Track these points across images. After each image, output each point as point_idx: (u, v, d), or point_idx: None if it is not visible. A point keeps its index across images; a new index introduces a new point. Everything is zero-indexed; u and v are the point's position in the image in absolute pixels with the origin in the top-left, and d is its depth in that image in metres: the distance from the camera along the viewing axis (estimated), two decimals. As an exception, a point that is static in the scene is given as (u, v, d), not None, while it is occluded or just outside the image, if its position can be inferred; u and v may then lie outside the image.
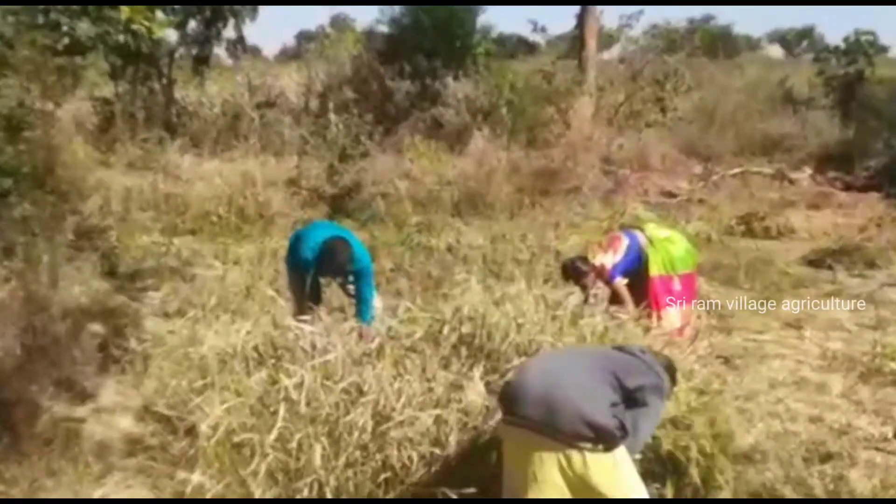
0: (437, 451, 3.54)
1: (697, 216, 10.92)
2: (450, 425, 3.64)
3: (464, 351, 4.39)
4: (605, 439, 2.94)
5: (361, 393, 3.70)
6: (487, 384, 4.06)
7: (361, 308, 5.13)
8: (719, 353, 5.61)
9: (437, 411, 3.67)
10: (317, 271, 5.17)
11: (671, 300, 5.79)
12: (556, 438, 2.95)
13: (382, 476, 3.46)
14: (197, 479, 3.49)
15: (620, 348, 3.52)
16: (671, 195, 12.26)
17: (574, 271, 5.85)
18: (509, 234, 9.15)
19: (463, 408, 3.75)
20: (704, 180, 13.01)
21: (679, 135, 14.95)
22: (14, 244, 6.05)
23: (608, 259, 5.81)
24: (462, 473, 3.48)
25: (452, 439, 3.56)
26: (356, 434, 3.49)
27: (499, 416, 3.65)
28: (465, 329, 4.58)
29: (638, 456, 3.25)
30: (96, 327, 5.72)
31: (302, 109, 13.53)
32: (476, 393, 3.82)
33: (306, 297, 4.98)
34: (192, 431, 3.89)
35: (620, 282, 5.75)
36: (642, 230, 6.05)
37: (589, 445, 2.93)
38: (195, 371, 4.66)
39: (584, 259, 5.91)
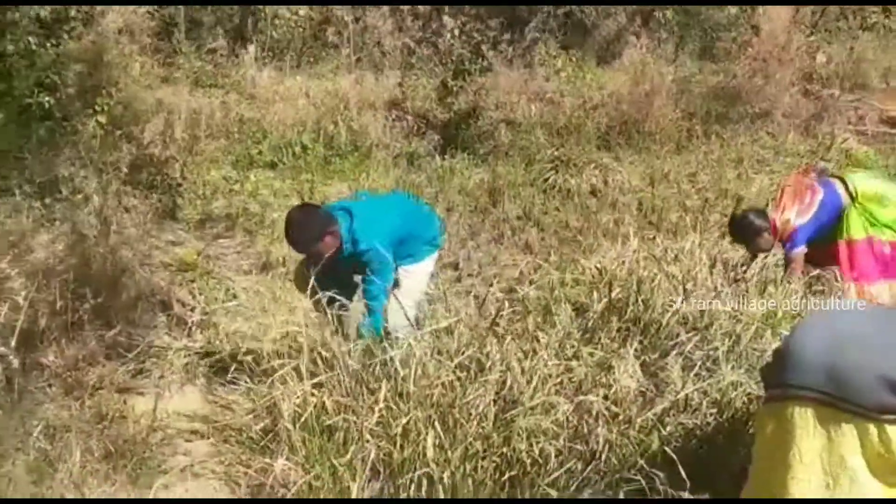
0: (578, 446, 3.58)
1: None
2: (594, 414, 3.67)
3: (614, 322, 4.42)
4: None
5: (482, 371, 3.77)
6: (643, 364, 4.08)
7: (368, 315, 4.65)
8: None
9: (580, 397, 3.70)
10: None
11: (882, 272, 5.56)
12: (853, 412, 3.00)
13: (508, 474, 3.53)
14: (280, 468, 3.66)
15: None
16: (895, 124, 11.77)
17: (745, 228, 5.67)
18: (674, 174, 9.02)
19: (612, 394, 3.77)
20: (944, 104, 12.41)
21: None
22: (57, 178, 6.37)
23: (792, 216, 5.63)
24: (609, 474, 3.53)
25: (599, 432, 3.59)
26: (475, 421, 3.56)
27: (658, 408, 3.68)
28: (616, 294, 4.61)
29: None
30: (157, 281, 5.99)
31: (408, 11, 13.55)
32: (629, 375, 3.84)
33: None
34: (273, 410, 4.05)
35: (800, 252, 5.57)
36: (845, 181, 5.75)
37: (892, 417, 2.96)
38: (277, 339, 4.90)
39: (761, 213, 5.75)
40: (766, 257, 5.53)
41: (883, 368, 2.96)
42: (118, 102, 7.88)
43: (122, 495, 3.95)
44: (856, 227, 5.57)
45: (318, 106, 10.18)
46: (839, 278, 5.39)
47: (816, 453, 3.05)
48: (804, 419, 3.09)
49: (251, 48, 11.77)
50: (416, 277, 4.86)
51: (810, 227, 5.60)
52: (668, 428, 3.82)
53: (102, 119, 7.41)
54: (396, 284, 4.83)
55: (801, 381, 3.11)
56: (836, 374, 3.02)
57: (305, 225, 4.59)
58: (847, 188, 5.66)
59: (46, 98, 6.90)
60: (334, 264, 4.65)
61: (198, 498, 4.04)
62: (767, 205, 5.91)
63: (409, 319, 4.45)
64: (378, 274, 4.58)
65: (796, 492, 3.12)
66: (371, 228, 4.61)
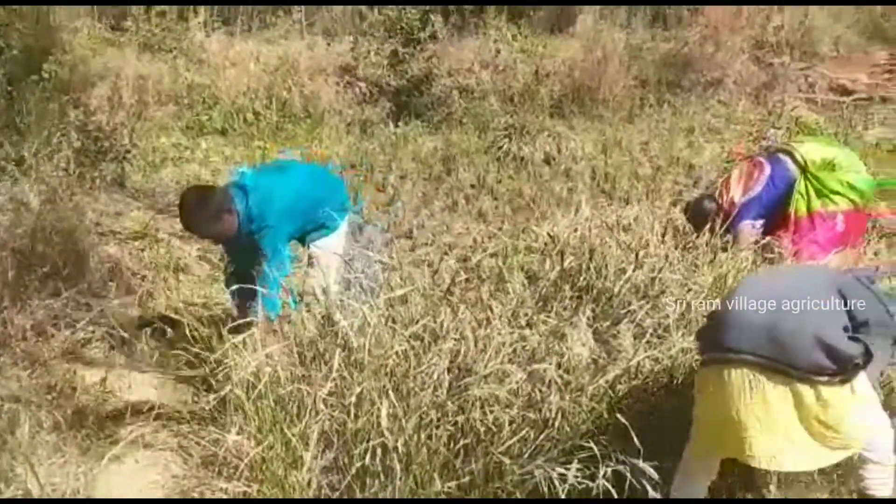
0: (531, 414, 3.60)
1: (880, 119, 10.58)
2: (547, 383, 3.69)
3: (566, 290, 4.44)
4: (847, 369, 3.08)
5: (436, 340, 3.77)
6: (596, 332, 4.11)
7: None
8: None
9: (533, 366, 3.72)
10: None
11: (830, 244, 5.59)
12: (789, 374, 3.08)
13: (462, 442, 3.54)
14: (232, 439, 3.64)
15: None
16: (845, 91, 11.86)
17: (698, 213, 5.69)
18: (626, 142, 9.05)
19: (565, 362, 3.79)
20: (891, 72, 12.54)
21: (858, 11, 14.38)
22: (1, 145, 6.25)
23: (737, 195, 5.69)
24: (562, 442, 3.55)
25: (552, 400, 3.61)
26: (430, 390, 3.57)
27: (610, 376, 3.70)
28: (568, 262, 4.62)
29: None
30: (106, 249, 5.92)
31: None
32: (581, 343, 3.86)
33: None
34: (225, 381, 4.01)
35: (745, 226, 5.57)
36: (792, 154, 5.77)
37: (825, 378, 3.07)
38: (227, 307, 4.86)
39: (712, 197, 5.81)
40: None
41: (818, 330, 3.05)
42: (64, 65, 7.74)
43: (73, 467, 3.91)
44: (801, 203, 5.61)
45: (270, 72, 10.08)
46: (787, 247, 5.44)
47: (755, 416, 3.12)
48: (742, 381, 3.14)
49: (201, 11, 11.58)
50: (329, 253, 4.69)
51: (757, 204, 5.65)
52: (620, 395, 3.86)
53: (48, 84, 7.28)
54: (311, 264, 4.74)
55: (740, 344, 3.16)
56: (774, 336, 3.09)
57: (200, 206, 4.38)
58: (796, 160, 5.71)
59: (-10, 63, 6.77)
60: (243, 247, 4.55)
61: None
62: (717, 191, 5.94)
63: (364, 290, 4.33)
64: (270, 258, 4.43)
65: (738, 449, 3.18)
66: (269, 203, 4.45)
